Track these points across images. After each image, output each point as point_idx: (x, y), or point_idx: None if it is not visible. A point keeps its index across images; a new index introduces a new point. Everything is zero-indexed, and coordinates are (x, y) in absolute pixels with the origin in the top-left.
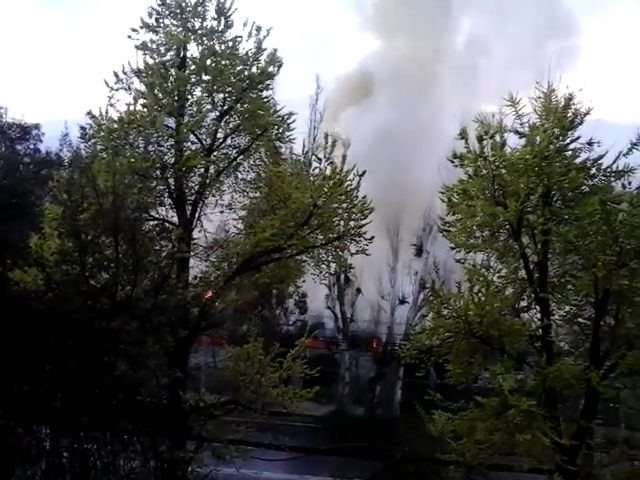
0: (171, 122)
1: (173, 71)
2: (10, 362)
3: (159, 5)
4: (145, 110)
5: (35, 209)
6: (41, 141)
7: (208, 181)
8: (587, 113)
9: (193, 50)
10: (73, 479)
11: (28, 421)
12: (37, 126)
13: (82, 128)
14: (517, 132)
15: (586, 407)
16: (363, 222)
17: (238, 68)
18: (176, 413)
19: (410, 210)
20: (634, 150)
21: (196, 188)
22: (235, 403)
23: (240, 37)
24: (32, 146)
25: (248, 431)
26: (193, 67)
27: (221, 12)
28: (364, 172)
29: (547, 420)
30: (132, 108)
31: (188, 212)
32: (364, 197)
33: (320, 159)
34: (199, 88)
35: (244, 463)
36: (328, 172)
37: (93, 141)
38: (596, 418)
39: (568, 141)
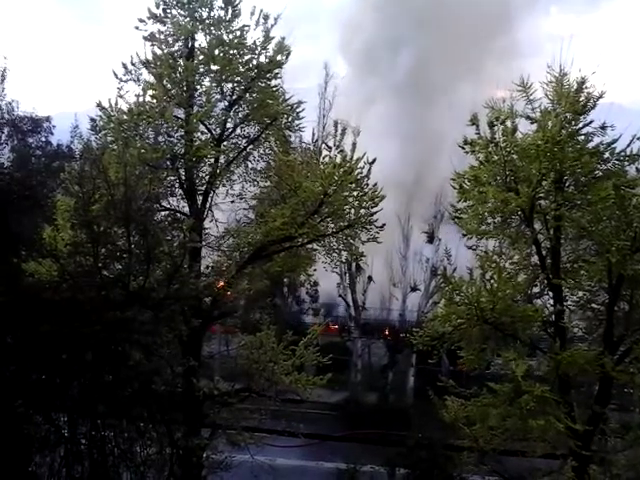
0: (180, 113)
1: (181, 61)
2: (27, 352)
3: None
4: (154, 101)
5: (47, 201)
6: (52, 134)
7: (218, 171)
8: (600, 97)
9: (201, 40)
10: (91, 465)
11: (46, 409)
12: (48, 119)
13: (92, 120)
14: (528, 117)
15: (600, 392)
16: (374, 210)
17: (246, 57)
18: (191, 401)
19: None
20: None
21: (206, 178)
22: (249, 391)
23: (248, 26)
24: (43, 139)
25: (262, 418)
26: (201, 57)
27: (228, 1)
28: (374, 160)
29: (561, 405)
30: (141, 99)
31: (199, 202)
32: (375, 185)
33: (330, 147)
34: (208, 78)
35: (258, 450)
36: (338, 160)
37: (103, 133)
38: (610, 403)
39: (580, 125)
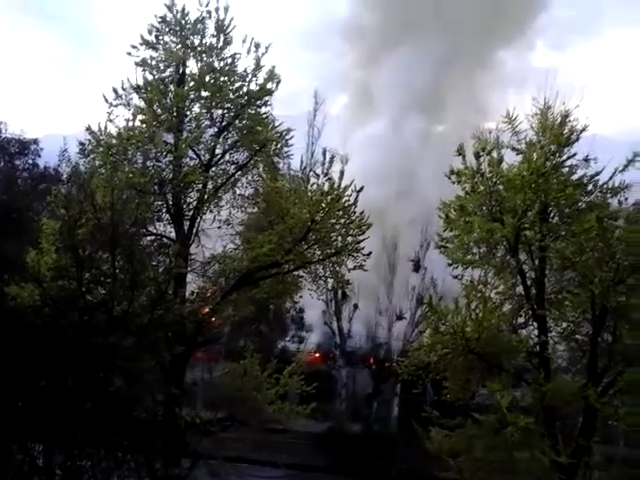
0: (170, 138)
1: (172, 87)
2: (5, 377)
3: (159, 22)
4: (144, 126)
5: (33, 224)
6: (39, 156)
7: (206, 197)
8: (583, 130)
9: (192, 67)
10: None
11: (22, 438)
12: (36, 141)
13: (81, 143)
14: (514, 148)
15: (584, 425)
16: (361, 238)
17: (237, 84)
18: (172, 430)
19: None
20: (630, 167)
21: (194, 204)
22: (231, 420)
23: (239, 54)
24: (30, 161)
25: (244, 448)
26: (192, 83)
27: (220, 29)
28: (362, 188)
29: (545, 438)
30: (131, 124)
31: (186, 227)
32: (362, 213)
33: (318, 175)
34: (198, 104)
35: None
36: (326, 188)
37: (92, 156)
38: (594, 436)
39: (565, 157)
